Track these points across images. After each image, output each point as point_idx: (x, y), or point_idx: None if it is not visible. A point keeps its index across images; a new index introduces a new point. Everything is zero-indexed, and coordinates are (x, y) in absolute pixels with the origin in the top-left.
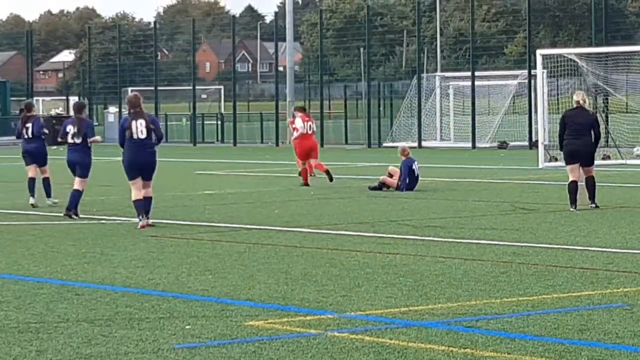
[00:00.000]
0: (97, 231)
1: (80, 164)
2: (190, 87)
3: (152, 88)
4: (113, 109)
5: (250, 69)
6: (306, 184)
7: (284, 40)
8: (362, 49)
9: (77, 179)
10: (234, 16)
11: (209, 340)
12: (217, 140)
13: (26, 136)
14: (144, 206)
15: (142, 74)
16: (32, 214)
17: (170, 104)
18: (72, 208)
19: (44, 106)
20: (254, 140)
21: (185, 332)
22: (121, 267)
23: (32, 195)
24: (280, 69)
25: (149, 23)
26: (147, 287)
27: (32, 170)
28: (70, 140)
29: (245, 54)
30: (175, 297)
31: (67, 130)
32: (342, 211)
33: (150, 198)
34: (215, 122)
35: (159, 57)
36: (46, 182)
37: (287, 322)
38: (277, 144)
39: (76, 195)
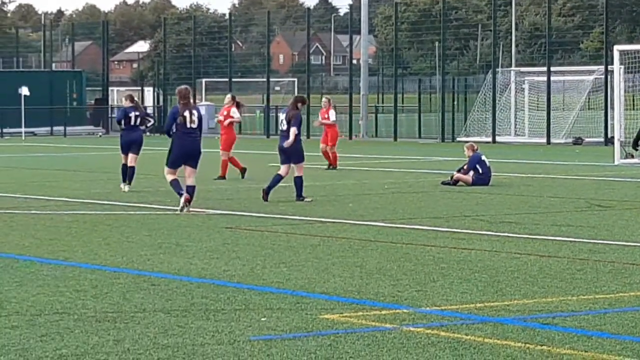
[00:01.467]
0: (171, 222)
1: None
2: (264, 79)
3: (226, 79)
4: None
5: (323, 62)
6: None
7: (358, 33)
8: (436, 43)
9: (294, 166)
10: (308, 8)
11: (284, 332)
12: None
13: (131, 124)
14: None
15: (215, 65)
16: (107, 204)
17: (244, 96)
18: (299, 195)
19: (118, 96)
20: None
21: (260, 324)
22: (196, 258)
23: (124, 181)
24: (354, 61)
25: (224, 15)
26: (222, 278)
27: (126, 157)
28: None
29: (319, 46)
30: (251, 289)
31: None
32: (416, 205)
33: (194, 187)
34: None
35: (232, 49)
36: (133, 170)
37: (363, 315)
38: (350, 137)
39: (297, 181)
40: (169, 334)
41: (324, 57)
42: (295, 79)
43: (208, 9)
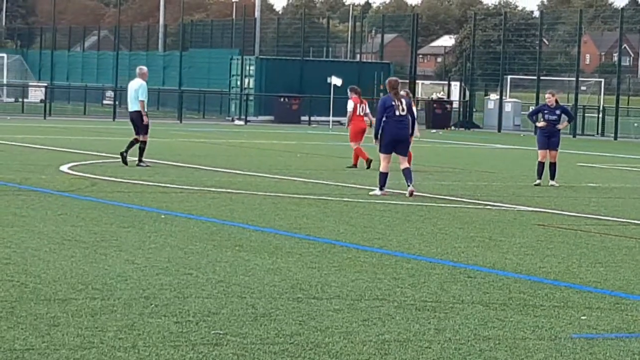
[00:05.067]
0: (483, 216)
1: None
2: (570, 78)
3: (531, 77)
4: (494, 96)
5: (631, 63)
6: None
7: None
8: None
9: None
10: (622, 9)
11: (605, 332)
12: (597, 134)
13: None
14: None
15: (521, 63)
16: (418, 195)
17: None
18: None
19: (423, 90)
20: (632, 135)
21: (581, 322)
22: (510, 253)
23: (540, 177)
24: None
25: (531, 12)
26: (538, 274)
27: (542, 154)
28: None
29: (627, 47)
30: (568, 286)
31: None
32: None
33: (409, 168)
34: (595, 115)
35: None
36: (554, 166)
37: None
38: None
39: None
40: (489, 327)
41: (631, 59)
42: (602, 80)
43: (516, 6)
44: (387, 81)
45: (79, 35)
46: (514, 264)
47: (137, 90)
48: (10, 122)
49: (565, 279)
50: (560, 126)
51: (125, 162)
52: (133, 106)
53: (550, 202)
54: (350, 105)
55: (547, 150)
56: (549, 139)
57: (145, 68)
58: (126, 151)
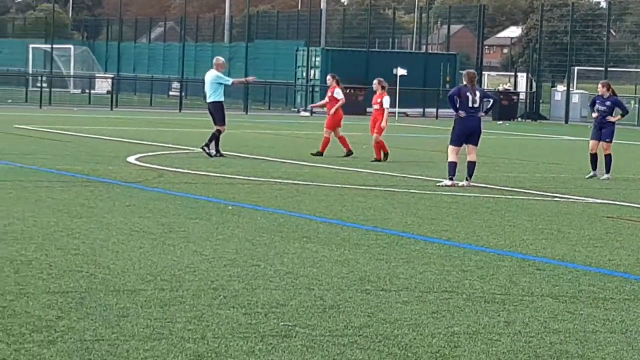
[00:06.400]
0: (551, 208)
1: None
2: (637, 70)
3: (598, 68)
4: (561, 87)
5: None
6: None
7: None
8: None
9: None
10: None
11: None
12: None
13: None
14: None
15: (587, 54)
16: (484, 187)
17: (615, 86)
18: None
19: (489, 81)
20: None
21: None
22: (579, 246)
23: (593, 169)
24: None
25: (598, 2)
26: (607, 267)
27: (592, 145)
28: None
29: None
30: (639, 280)
31: None
32: None
33: (475, 162)
34: None
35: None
36: (608, 158)
37: None
38: None
39: None
40: (559, 319)
41: None
42: None
43: None
44: (465, 72)
45: (145, 26)
46: (583, 256)
47: (211, 82)
48: (77, 113)
49: (636, 271)
50: (612, 119)
51: (212, 154)
52: (210, 97)
53: (619, 194)
54: (340, 93)
55: (598, 142)
56: (600, 130)
57: (221, 59)
58: (207, 145)
